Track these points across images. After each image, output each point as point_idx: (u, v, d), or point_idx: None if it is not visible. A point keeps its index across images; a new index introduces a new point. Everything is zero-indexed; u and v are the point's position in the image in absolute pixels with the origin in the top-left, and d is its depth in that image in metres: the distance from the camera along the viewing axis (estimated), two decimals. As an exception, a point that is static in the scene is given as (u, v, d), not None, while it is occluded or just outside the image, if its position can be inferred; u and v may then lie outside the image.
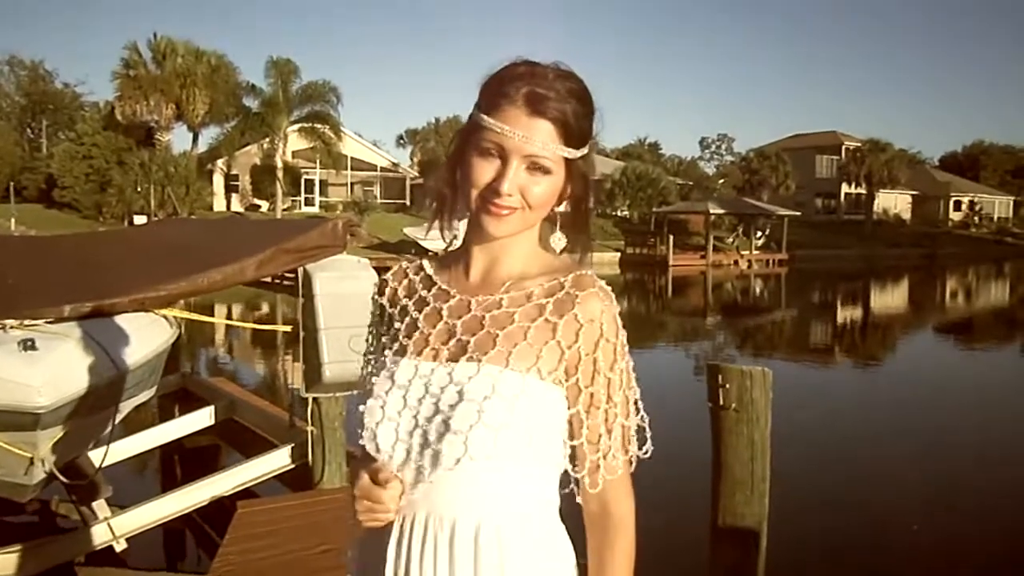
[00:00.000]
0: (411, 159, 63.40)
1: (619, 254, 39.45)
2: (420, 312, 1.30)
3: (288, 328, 4.66)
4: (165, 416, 6.47)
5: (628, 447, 1.26)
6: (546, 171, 1.20)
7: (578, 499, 1.28)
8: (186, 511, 4.54)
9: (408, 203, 49.75)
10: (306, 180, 45.04)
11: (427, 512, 1.22)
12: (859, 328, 21.78)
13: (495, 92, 1.20)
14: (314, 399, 4.60)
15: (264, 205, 41.87)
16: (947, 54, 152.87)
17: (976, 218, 62.51)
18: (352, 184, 47.74)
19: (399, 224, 37.61)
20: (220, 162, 41.47)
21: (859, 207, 54.48)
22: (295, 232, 4.47)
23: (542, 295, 1.24)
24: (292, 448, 4.84)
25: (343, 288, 4.47)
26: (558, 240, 1.30)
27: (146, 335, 4.08)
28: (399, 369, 1.25)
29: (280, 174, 38.69)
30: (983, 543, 5.86)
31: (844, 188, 55.24)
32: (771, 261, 42.57)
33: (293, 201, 43.23)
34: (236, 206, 42.47)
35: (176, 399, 6.81)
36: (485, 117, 1.19)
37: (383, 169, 50.54)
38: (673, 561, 4.17)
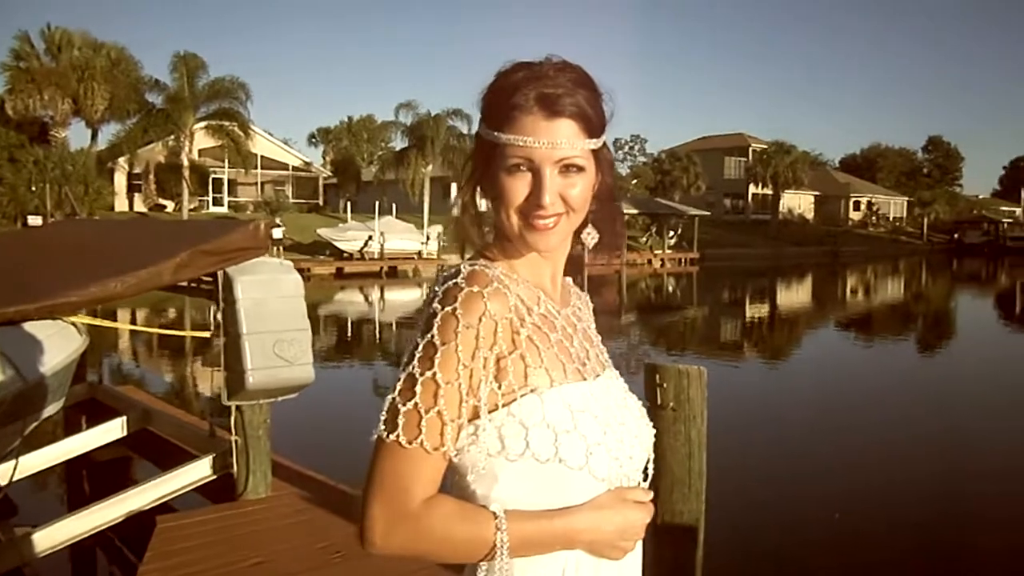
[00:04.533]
0: (323, 158, 62.34)
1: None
2: (554, 330, 1.19)
3: (207, 334, 4.46)
4: (72, 429, 6.15)
5: None
6: (579, 169, 1.15)
7: None
8: (100, 528, 4.29)
9: (322, 203, 48.90)
10: (214, 179, 43.75)
11: None
12: (772, 324, 22.49)
13: (503, 105, 1.14)
14: (237, 407, 4.44)
15: (170, 205, 40.47)
16: (845, 60, 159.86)
17: (874, 217, 65.56)
18: (262, 183, 46.65)
19: (313, 225, 36.91)
20: (122, 160, 39.82)
21: (766, 207, 56.38)
22: (214, 234, 4.29)
23: (584, 305, 1.36)
24: (213, 458, 4.66)
25: (266, 292, 4.32)
26: (590, 236, 1.27)
27: (54, 344, 3.86)
28: (590, 391, 1.16)
29: (186, 173, 37.37)
30: (893, 529, 6.11)
31: (751, 188, 57.10)
32: (683, 260, 43.58)
33: (200, 201, 41.92)
34: (139, 206, 40.91)
35: (83, 410, 6.49)
36: (502, 135, 1.13)
37: (295, 168, 49.56)
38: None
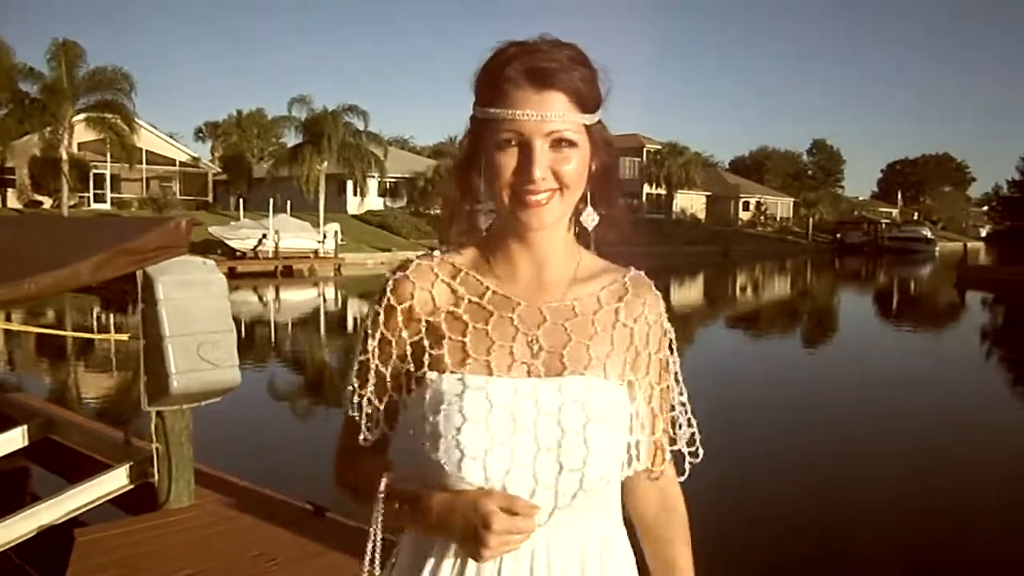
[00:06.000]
0: (212, 154, 60.30)
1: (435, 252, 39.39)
2: (485, 322, 1.16)
3: (125, 336, 4.24)
4: (-39, 439, 5.72)
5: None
6: (572, 143, 1.12)
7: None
8: (9, 545, 4.01)
9: (211, 200, 47.24)
10: (95, 175, 41.48)
11: (548, 539, 1.13)
12: (672, 319, 23.09)
13: (493, 80, 1.12)
14: (158, 413, 4.24)
15: (47, 202, 38.20)
16: (735, 63, 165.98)
17: (762, 217, 68.28)
18: (148, 179, 44.67)
19: (203, 222, 35.62)
20: (-8, 153, 37.38)
21: (659, 206, 57.88)
22: (135, 232, 4.07)
23: (610, 299, 1.22)
24: (130, 467, 4.42)
25: (189, 292, 4.14)
26: (590, 217, 1.20)
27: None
28: (493, 388, 1.11)
29: (65, 168, 35.32)
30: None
31: (646, 188, 58.46)
32: (580, 258, 44.20)
33: (81, 197, 39.71)
34: (13, 202, 38.49)
35: (-28, 419, 6.05)
36: (491, 109, 1.11)
37: (182, 164, 47.65)
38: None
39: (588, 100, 1.13)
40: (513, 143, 1.11)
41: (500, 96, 1.11)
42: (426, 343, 1.16)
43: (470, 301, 1.18)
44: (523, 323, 1.16)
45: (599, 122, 1.17)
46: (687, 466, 1.28)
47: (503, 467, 1.08)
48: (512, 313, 1.17)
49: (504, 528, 1.04)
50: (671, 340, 1.28)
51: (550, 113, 1.10)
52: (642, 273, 1.27)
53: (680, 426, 1.28)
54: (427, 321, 1.17)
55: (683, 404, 1.28)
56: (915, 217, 78.90)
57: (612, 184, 1.22)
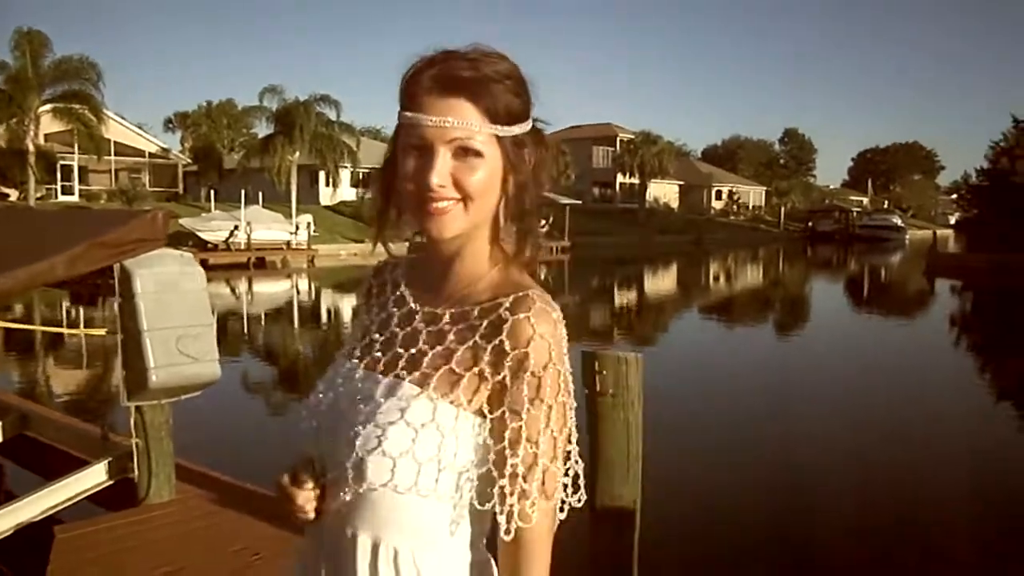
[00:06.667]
0: (182, 145, 59.50)
1: (407, 243, 39.28)
2: (379, 315, 1.26)
3: (103, 331, 4.18)
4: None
5: (553, 495, 1.11)
6: (477, 154, 1.09)
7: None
8: (-16, 544, 3.96)
9: (182, 192, 46.65)
10: (63, 166, 40.79)
11: (338, 526, 1.18)
12: (642, 309, 23.24)
13: (406, 86, 1.12)
14: (137, 408, 4.19)
15: (13, 194, 37.50)
16: (707, 53, 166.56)
17: (735, 206, 68.76)
18: (116, 171, 44.03)
19: (176, 215, 35.18)
20: (-44, 145, 36.59)
21: (633, 196, 58.08)
22: (111, 224, 4.01)
23: (479, 315, 1.13)
24: (109, 463, 4.37)
25: (167, 285, 4.09)
26: (506, 242, 1.18)
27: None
28: (335, 370, 1.24)
29: (32, 159, 34.71)
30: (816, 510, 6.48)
31: (619, 178, 58.65)
32: (554, 248, 44.18)
33: (48, 189, 39.01)
34: (-23, 195, 37.77)
35: (-57, 416, 5.94)
36: (402, 112, 1.12)
37: (152, 155, 47.03)
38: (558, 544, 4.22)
39: (499, 110, 1.10)
40: (417, 149, 1.11)
41: (409, 101, 1.11)
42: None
43: (384, 297, 1.29)
44: (399, 322, 1.22)
45: (524, 137, 1.14)
46: (511, 527, 1.10)
47: (320, 441, 1.19)
48: (399, 311, 1.24)
49: (277, 491, 1.21)
50: (543, 379, 1.08)
51: (453, 120, 1.08)
52: (532, 295, 1.11)
53: (531, 477, 1.09)
54: (364, 309, 1.33)
55: (533, 453, 1.08)
56: (885, 205, 79.80)
57: (524, 202, 1.15)
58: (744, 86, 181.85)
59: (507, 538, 1.10)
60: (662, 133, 59.51)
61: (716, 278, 34.97)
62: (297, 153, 39.12)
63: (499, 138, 1.11)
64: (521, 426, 1.08)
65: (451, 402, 1.10)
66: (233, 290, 25.73)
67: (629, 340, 16.90)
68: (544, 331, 1.08)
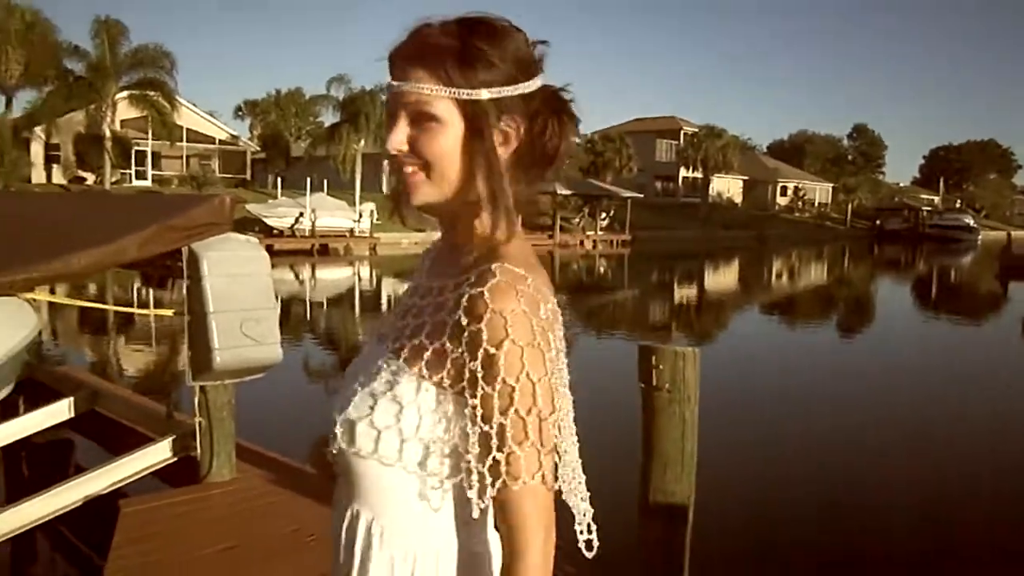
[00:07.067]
0: (251, 132, 60.79)
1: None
2: (405, 291, 1.30)
3: (171, 312, 4.30)
4: (8, 411, 5.86)
5: (521, 475, 1.03)
6: (432, 118, 1.08)
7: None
8: (56, 514, 4.11)
9: (249, 178, 47.68)
10: (137, 151, 42.03)
11: (335, 496, 1.23)
12: (705, 304, 22.95)
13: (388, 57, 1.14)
14: (201, 387, 4.31)
15: (90, 178, 38.84)
16: (775, 47, 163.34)
17: (800, 203, 67.33)
18: (188, 157, 45.18)
19: (243, 200, 35.96)
20: (38, 130, 37.82)
21: (696, 190, 57.38)
22: (180, 208, 4.12)
23: (452, 289, 1.11)
24: (173, 440, 4.52)
25: (233, 269, 4.19)
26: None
27: (11, 324, 3.66)
28: (362, 348, 1.30)
29: (108, 144, 35.90)
30: (882, 510, 6.33)
31: (682, 172, 57.97)
32: (615, 242, 44.02)
33: (123, 174, 40.27)
34: (58, 178, 39.14)
35: (21, 391, 6.19)
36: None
37: (222, 142, 48.11)
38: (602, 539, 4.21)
39: (455, 73, 1.07)
40: (390, 117, 1.12)
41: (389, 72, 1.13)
42: None
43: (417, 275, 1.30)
44: (406, 295, 1.25)
45: (505, 102, 1.09)
46: (477, 509, 1.06)
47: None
48: (411, 286, 1.27)
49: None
50: (500, 356, 1.02)
51: (402, 83, 1.09)
52: (494, 268, 1.05)
53: (487, 458, 1.04)
54: None
55: (489, 434, 1.03)
56: (957, 204, 77.27)
57: (489, 171, 1.10)
58: (813, 81, 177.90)
59: (476, 517, 1.08)
60: (727, 127, 58.72)
61: (778, 275, 34.33)
62: (362, 142, 39.62)
63: (462, 103, 1.08)
64: (477, 404, 1.04)
65: (415, 374, 1.09)
66: (297, 276, 26.21)
67: (686, 336, 16.72)
68: (501, 307, 1.02)
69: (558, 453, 1.13)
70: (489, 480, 1.04)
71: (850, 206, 66.14)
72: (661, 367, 2.90)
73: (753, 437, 8.17)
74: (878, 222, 63.13)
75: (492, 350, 1.02)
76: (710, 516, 3.75)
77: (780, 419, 9.07)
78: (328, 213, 33.73)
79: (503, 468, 1.03)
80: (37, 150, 39.09)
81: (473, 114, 1.08)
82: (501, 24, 1.10)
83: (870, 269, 39.46)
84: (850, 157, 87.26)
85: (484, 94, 1.08)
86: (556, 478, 1.10)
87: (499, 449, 1.03)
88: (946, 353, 15.10)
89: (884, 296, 28.07)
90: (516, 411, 1.02)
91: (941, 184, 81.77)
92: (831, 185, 71.24)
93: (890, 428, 8.87)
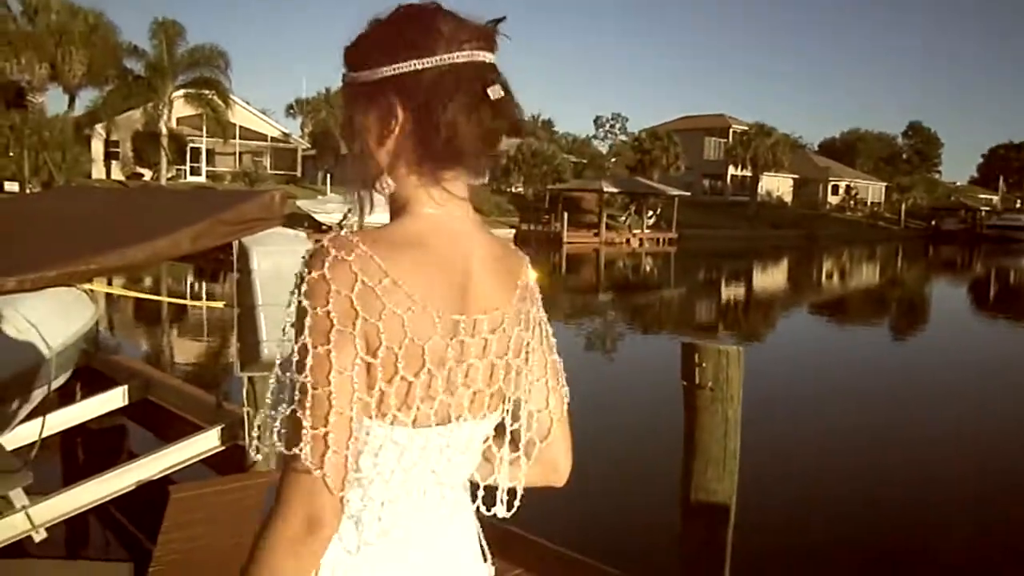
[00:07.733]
0: (302, 130, 61.57)
1: (514, 230, 39.67)
2: None
3: (221, 304, 4.39)
4: (66, 398, 6.05)
5: (288, 441, 1.03)
6: (344, 102, 1.15)
7: None
8: (109, 497, 4.25)
9: (299, 175, 48.37)
10: (192, 148, 43.01)
11: None
12: (751, 303, 22.67)
13: None
14: (249, 378, 4.39)
15: (147, 174, 39.82)
16: (826, 43, 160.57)
17: (852, 202, 65.99)
18: (240, 154, 46.02)
19: (294, 196, 36.48)
20: (99, 127, 39.05)
21: (744, 189, 56.61)
22: (231, 203, 4.21)
23: None
24: (222, 429, 4.61)
25: (282, 263, 4.27)
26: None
27: (70, 313, 3.78)
28: None
29: (164, 141, 36.86)
30: (926, 511, 6.23)
31: (731, 170, 57.23)
32: (661, 240, 43.68)
33: (178, 170, 41.26)
34: (117, 174, 40.21)
35: (78, 378, 6.38)
36: None
37: (273, 139, 48.92)
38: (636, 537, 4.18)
39: (349, 55, 1.12)
40: None
41: None
42: None
43: None
44: None
45: (355, 80, 1.10)
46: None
47: None
48: None
49: None
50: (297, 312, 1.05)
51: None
52: (325, 241, 1.06)
53: None
54: None
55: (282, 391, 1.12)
56: (1018, 205, 75.01)
57: (348, 148, 1.16)
58: (865, 78, 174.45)
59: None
60: (777, 125, 57.83)
61: (828, 275, 33.74)
62: (409, 140, 39.87)
63: (346, 85, 1.13)
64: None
65: None
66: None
67: (732, 334, 16.54)
68: (307, 272, 1.03)
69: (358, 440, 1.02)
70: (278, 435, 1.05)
71: (904, 206, 64.61)
72: (704, 365, 2.88)
73: (797, 436, 8.07)
74: (933, 222, 61.63)
75: (293, 311, 1.04)
76: (752, 515, 3.72)
77: (824, 419, 8.94)
78: (376, 209, 33.98)
79: (283, 427, 1.04)
80: (97, 147, 40.25)
81: (349, 91, 1.12)
82: (403, 8, 1.09)
83: (924, 270, 38.59)
84: (905, 156, 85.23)
85: (358, 74, 1.10)
86: (323, 461, 0.97)
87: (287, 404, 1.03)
88: (1002, 356, 14.70)
89: (939, 297, 27.42)
90: (293, 373, 1.03)
91: (1001, 183, 79.39)
92: (884, 184, 69.68)
93: (937, 428, 8.68)
